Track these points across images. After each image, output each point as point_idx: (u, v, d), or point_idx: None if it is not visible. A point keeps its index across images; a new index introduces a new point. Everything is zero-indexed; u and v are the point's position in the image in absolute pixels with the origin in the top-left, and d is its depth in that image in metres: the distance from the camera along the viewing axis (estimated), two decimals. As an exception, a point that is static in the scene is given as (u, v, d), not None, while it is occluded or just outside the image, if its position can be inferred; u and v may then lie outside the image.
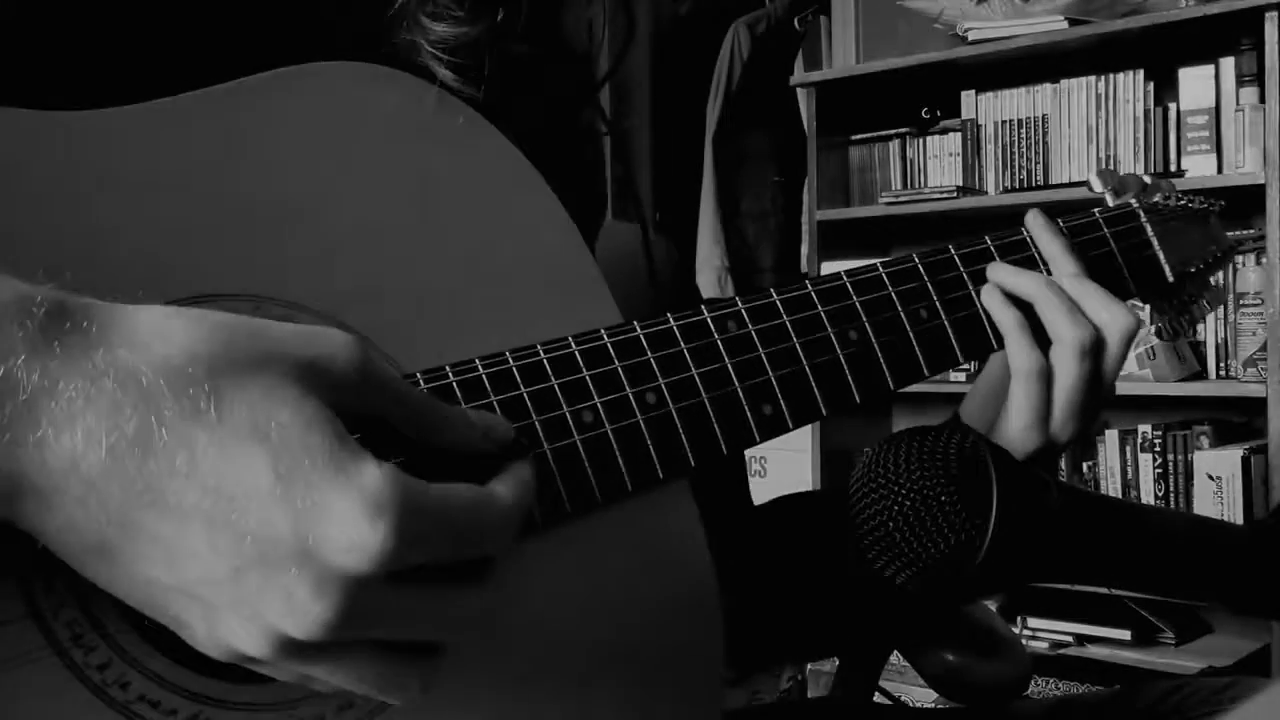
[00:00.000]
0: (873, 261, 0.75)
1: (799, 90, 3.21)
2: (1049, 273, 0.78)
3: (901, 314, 0.73)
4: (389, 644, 0.47)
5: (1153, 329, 0.88)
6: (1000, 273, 0.76)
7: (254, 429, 0.42)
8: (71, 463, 0.42)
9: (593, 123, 0.83)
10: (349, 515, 0.42)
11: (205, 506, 0.42)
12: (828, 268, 3.02)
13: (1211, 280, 0.90)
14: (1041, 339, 0.76)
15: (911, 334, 0.73)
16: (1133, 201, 0.86)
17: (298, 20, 0.66)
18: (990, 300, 0.76)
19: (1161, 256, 0.84)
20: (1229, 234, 0.93)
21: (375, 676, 0.46)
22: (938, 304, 0.75)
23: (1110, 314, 0.76)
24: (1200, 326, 2.68)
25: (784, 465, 3.02)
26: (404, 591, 0.45)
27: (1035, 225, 0.79)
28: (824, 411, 0.69)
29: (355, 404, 0.46)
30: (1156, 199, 0.86)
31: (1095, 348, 0.75)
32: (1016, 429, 0.76)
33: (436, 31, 0.65)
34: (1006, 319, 0.75)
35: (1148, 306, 0.89)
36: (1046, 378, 0.75)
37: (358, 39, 0.65)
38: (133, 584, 0.44)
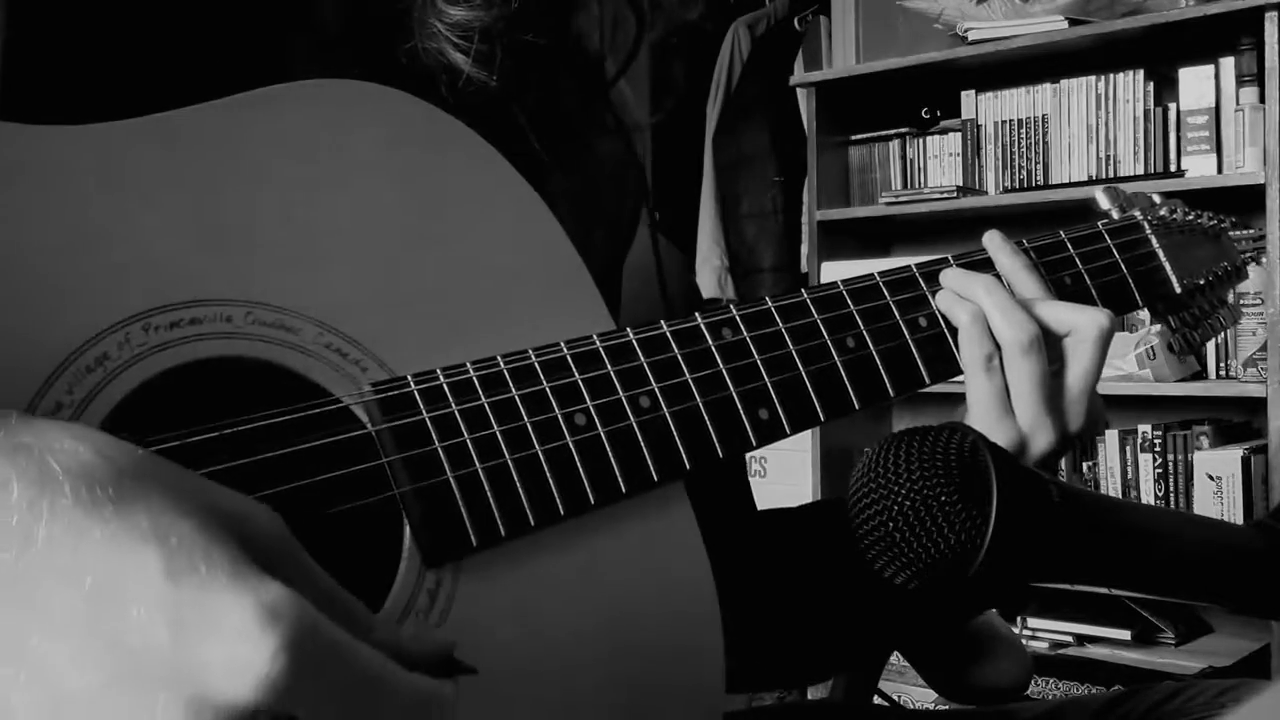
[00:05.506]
0: (869, 271, 0.75)
1: (799, 90, 3.21)
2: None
3: (900, 322, 0.73)
4: None
5: (1156, 338, 0.89)
6: (951, 277, 0.76)
7: (154, 531, 0.37)
8: None
9: (604, 119, 0.82)
10: (240, 626, 0.36)
11: (79, 611, 0.36)
12: (828, 268, 3.02)
13: (1227, 294, 0.90)
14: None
15: (911, 342, 0.73)
16: (1138, 214, 0.86)
17: (311, 11, 0.67)
18: (944, 300, 0.76)
19: (1168, 267, 0.84)
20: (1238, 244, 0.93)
21: None
22: (938, 312, 0.75)
23: (1082, 317, 0.75)
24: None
25: (784, 465, 3.01)
26: None
27: (993, 245, 0.79)
28: (822, 417, 0.69)
29: (265, 570, 0.39)
30: (1163, 213, 0.87)
31: (1037, 347, 0.74)
32: (975, 425, 0.75)
33: (452, 16, 0.66)
34: (958, 313, 0.75)
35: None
36: (997, 372, 0.74)
37: (376, 25, 0.66)
38: None
